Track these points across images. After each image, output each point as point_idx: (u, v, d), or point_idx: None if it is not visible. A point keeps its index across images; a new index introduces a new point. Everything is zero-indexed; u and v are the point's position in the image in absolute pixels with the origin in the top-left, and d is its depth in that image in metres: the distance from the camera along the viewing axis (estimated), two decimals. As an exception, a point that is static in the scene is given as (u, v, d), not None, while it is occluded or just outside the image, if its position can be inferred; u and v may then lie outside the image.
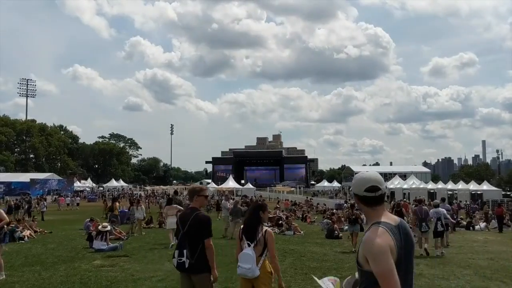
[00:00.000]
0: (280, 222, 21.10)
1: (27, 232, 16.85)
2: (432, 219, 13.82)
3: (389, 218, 2.61)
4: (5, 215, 9.17)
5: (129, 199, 33.09)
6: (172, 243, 14.85)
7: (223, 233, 17.98)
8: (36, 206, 34.92)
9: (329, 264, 11.28)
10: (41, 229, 19.36)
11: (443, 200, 19.21)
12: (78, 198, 50.79)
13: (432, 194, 48.55)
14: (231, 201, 19.84)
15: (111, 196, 40.67)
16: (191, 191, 5.62)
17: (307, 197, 50.10)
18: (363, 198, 2.64)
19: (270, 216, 24.48)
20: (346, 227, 17.11)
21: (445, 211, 14.79)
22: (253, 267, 4.85)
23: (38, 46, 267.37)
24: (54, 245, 14.83)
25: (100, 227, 13.73)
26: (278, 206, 29.23)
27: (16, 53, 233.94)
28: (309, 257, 12.51)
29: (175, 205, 15.86)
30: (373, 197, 2.62)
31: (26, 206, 31.49)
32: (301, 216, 29.41)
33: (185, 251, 4.85)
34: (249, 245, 5.00)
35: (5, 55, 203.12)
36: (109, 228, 14.04)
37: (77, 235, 17.91)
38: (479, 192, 48.66)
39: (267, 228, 5.26)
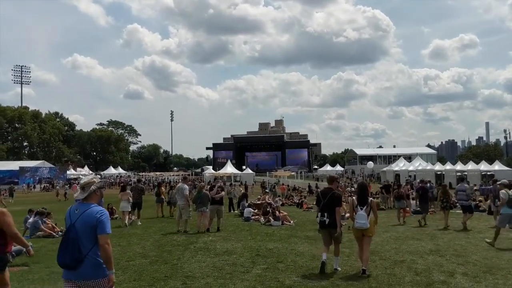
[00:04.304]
0: (268, 209, 17.22)
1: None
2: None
3: None
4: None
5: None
6: (126, 223, 15.39)
7: (176, 225, 14.20)
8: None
9: (314, 279, 7.36)
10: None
11: (461, 179, 16.12)
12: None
13: (439, 176, 45.65)
14: (205, 185, 15.92)
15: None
16: (330, 178, 8.75)
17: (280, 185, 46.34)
18: None
19: (257, 203, 20.75)
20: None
21: None
22: (366, 222, 7.67)
23: (37, 35, 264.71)
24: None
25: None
26: (267, 191, 25.44)
27: (16, 43, 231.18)
28: (289, 263, 8.64)
29: (128, 191, 16.61)
30: None
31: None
32: (298, 201, 25.80)
33: (326, 213, 7.89)
34: (361, 209, 7.78)
35: (4, 45, 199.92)
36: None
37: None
38: (489, 173, 45.05)
39: (371, 198, 8.21)
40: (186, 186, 14.36)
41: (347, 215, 17.79)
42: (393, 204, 20.76)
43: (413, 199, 20.12)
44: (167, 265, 8.43)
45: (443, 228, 14.32)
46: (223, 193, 15.46)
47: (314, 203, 12.55)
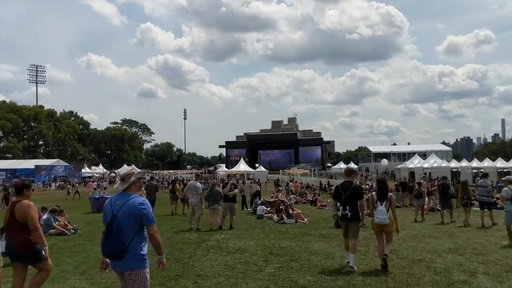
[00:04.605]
0: (281, 207, 16.98)
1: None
2: None
3: None
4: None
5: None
6: None
7: (189, 223, 14.00)
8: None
9: (330, 279, 7.13)
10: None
11: (485, 175, 15.95)
12: (105, 182, 49.10)
13: (455, 173, 44.91)
14: (219, 183, 15.67)
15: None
16: (348, 170, 8.74)
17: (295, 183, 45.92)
18: None
19: (271, 200, 20.52)
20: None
21: None
22: (386, 218, 7.73)
23: (52, 35, 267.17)
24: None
25: None
26: (281, 188, 25.12)
27: (31, 43, 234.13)
28: (303, 262, 8.41)
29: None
30: None
31: (3, 194, 28.01)
32: (311, 199, 25.50)
33: (347, 207, 7.87)
34: (381, 204, 7.83)
35: (20, 45, 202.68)
36: None
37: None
38: (506, 170, 44.15)
39: (391, 194, 8.13)
40: (199, 184, 14.18)
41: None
42: (410, 202, 20.57)
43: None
44: (179, 263, 8.26)
45: (462, 225, 14.01)
46: (236, 190, 15.25)
47: (332, 196, 12.35)
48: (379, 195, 8.00)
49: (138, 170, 4.52)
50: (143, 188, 16.75)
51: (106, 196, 23.82)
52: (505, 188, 11.41)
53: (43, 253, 5.42)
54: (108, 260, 4.29)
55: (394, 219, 7.93)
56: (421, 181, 23.74)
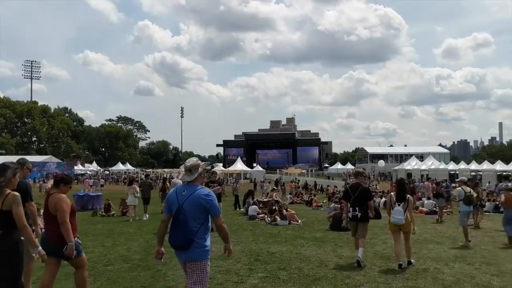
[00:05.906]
0: (274, 208, 15.96)
1: None
2: None
3: None
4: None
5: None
6: (132, 217, 15.80)
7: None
8: None
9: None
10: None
11: (505, 178, 15.35)
12: (103, 180, 49.46)
13: (453, 176, 44.17)
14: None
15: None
16: (356, 172, 9.11)
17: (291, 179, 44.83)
18: None
19: (265, 200, 19.56)
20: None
21: None
22: (402, 218, 7.79)
23: (49, 31, 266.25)
24: None
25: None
26: (275, 188, 24.10)
27: (28, 39, 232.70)
28: (293, 270, 7.41)
29: (133, 186, 16.78)
30: None
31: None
32: (307, 199, 24.53)
33: (357, 208, 8.10)
34: (399, 205, 7.89)
35: (17, 41, 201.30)
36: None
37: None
38: (505, 174, 43.36)
39: (409, 195, 8.05)
40: (179, 181, 13.18)
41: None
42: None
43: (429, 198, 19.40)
44: (149, 271, 7.24)
45: (474, 227, 13.43)
46: (219, 187, 14.14)
47: (341, 198, 11.59)
48: (397, 196, 8.06)
49: (203, 162, 4.49)
50: (135, 185, 16.38)
51: (91, 194, 22.69)
52: (459, 188, 11.09)
53: (79, 247, 5.26)
54: (163, 250, 4.35)
55: (411, 220, 7.98)
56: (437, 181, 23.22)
